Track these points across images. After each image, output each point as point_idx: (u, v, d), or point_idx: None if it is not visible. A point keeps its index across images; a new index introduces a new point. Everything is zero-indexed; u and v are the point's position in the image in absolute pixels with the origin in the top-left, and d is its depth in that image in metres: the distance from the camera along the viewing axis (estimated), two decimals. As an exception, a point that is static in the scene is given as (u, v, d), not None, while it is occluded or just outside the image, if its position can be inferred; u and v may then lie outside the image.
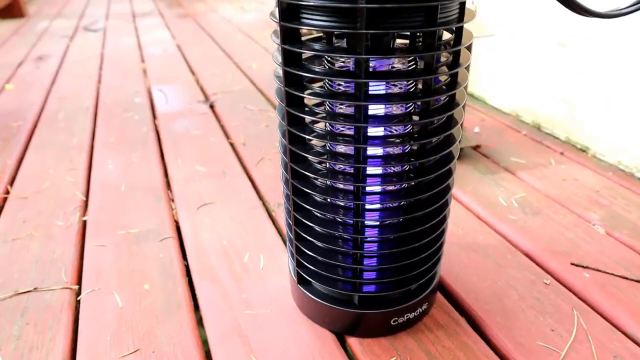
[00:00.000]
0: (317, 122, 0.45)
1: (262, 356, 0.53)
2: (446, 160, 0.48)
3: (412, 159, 0.45)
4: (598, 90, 0.94)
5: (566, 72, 1.01)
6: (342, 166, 0.47)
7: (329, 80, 0.46)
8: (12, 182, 0.94)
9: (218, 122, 1.19)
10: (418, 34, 0.44)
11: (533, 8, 1.07)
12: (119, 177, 0.94)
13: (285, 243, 0.72)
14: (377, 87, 0.44)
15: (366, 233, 0.49)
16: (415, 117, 0.45)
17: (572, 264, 0.66)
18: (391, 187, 0.48)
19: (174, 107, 1.31)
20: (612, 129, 0.93)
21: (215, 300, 0.62)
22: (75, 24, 2.60)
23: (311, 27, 0.39)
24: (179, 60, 1.78)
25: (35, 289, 0.65)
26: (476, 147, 1.00)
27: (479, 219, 0.77)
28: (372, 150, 0.46)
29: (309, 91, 0.44)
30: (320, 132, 0.46)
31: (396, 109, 0.45)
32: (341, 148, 0.46)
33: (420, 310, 0.55)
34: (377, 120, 0.44)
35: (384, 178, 0.46)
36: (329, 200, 0.49)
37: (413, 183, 0.47)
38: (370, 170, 0.46)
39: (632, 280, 0.63)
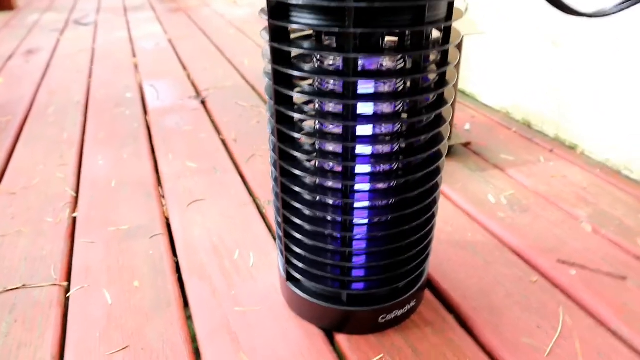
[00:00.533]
0: (306, 120, 0.45)
1: (251, 353, 0.53)
2: (434, 159, 0.48)
3: (400, 157, 0.46)
4: (587, 88, 0.95)
5: (555, 69, 1.02)
6: (330, 164, 0.47)
7: (318, 78, 0.46)
8: (0, 177, 0.93)
9: (209, 118, 1.19)
10: (406, 32, 0.44)
11: (523, 6, 1.07)
12: (110, 173, 0.93)
13: (275, 240, 0.72)
14: (366, 86, 0.44)
15: (355, 231, 0.49)
16: (404, 115, 0.46)
17: (559, 261, 0.66)
18: (380, 186, 0.48)
19: (165, 103, 1.30)
20: (600, 126, 0.94)
21: (204, 297, 0.62)
22: (65, 18, 2.58)
23: (300, 25, 0.39)
24: (171, 55, 1.77)
25: (23, 285, 0.64)
26: (466, 145, 1.01)
27: (468, 216, 0.78)
28: (360, 149, 0.46)
29: (298, 89, 0.44)
30: (310, 130, 0.46)
31: (385, 108, 0.46)
32: (330, 146, 0.47)
33: (409, 308, 0.56)
34: (366, 119, 0.44)
35: (373, 176, 0.46)
36: (318, 198, 0.50)
37: (401, 181, 0.47)
38: (359, 168, 0.46)
39: (616, 277, 0.63)
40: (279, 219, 0.53)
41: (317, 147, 0.47)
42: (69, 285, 0.65)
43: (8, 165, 0.98)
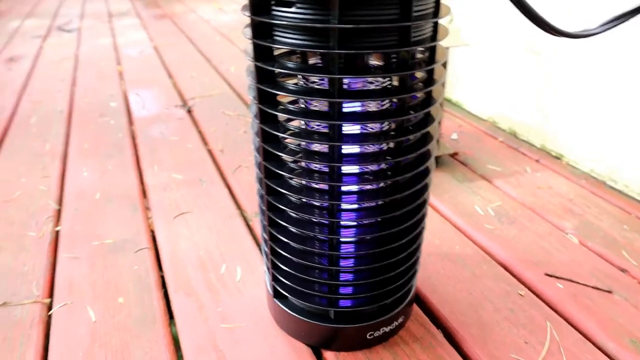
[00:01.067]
0: (288, 138, 0.45)
1: (237, 372, 0.53)
2: (422, 176, 0.48)
3: (388, 174, 0.45)
4: (572, 98, 0.96)
5: (540, 80, 1.03)
6: (316, 183, 0.47)
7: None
8: (-19, 190, 0.91)
9: (196, 128, 1.18)
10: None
11: (508, 17, 1.08)
12: (94, 185, 0.92)
13: (262, 253, 0.71)
14: (351, 104, 0.44)
15: (342, 249, 0.49)
16: (392, 133, 0.45)
17: (546, 274, 0.67)
18: (367, 204, 0.48)
19: (150, 112, 1.29)
20: (585, 137, 0.95)
21: (191, 313, 0.61)
22: (48, 24, 2.55)
23: (284, 46, 0.39)
24: (156, 63, 1.76)
25: (4, 303, 0.63)
26: (454, 155, 1.01)
27: (456, 228, 0.78)
28: (347, 169, 0.45)
29: (281, 107, 0.43)
30: (296, 148, 0.46)
31: (371, 128, 0.45)
32: (316, 165, 0.46)
33: (397, 324, 0.55)
34: (352, 137, 0.44)
35: (360, 195, 0.46)
36: (304, 216, 0.49)
37: (389, 199, 0.47)
38: (346, 187, 0.46)
39: (603, 290, 0.64)
40: (266, 236, 0.52)
41: (303, 164, 0.47)
42: (51, 303, 0.64)
43: (-11, 177, 0.96)
